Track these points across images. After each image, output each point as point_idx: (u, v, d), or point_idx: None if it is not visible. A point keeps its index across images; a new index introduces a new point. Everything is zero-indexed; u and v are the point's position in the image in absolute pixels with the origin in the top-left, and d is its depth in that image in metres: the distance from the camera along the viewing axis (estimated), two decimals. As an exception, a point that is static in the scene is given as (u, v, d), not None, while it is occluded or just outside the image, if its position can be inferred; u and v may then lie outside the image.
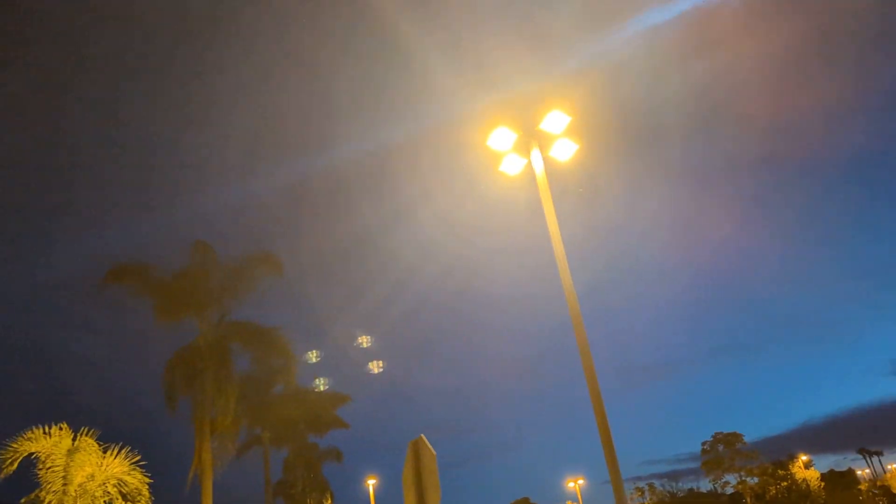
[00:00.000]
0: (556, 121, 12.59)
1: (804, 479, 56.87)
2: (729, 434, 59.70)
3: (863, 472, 77.68)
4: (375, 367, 48.97)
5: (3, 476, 13.50)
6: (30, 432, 13.86)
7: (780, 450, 65.53)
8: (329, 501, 35.20)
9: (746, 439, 61.29)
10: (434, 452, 6.86)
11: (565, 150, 12.97)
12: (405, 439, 7.19)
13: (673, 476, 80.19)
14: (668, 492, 70.56)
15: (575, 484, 50.20)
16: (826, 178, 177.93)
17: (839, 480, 63.11)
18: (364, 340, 49.62)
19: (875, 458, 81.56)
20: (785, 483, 56.94)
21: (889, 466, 69.95)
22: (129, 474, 14.95)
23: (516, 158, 13.17)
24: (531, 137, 12.96)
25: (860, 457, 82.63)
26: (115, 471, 14.78)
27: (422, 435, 6.99)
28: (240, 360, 23.65)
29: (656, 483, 72.48)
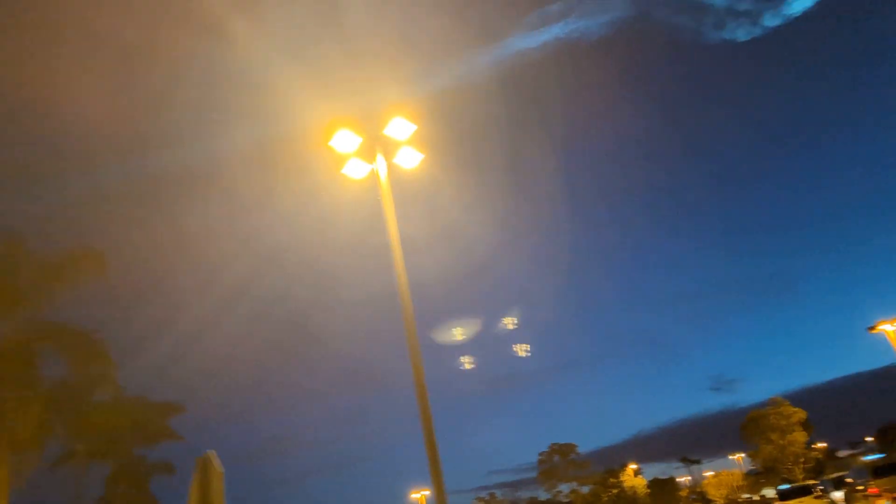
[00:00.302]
0: (400, 128, 12.45)
1: (632, 487, 61.06)
2: (564, 445, 62.83)
3: (684, 479, 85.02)
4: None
5: None
6: None
7: (614, 459, 70.02)
8: (155, 519, 32.43)
9: (585, 450, 64.90)
10: (221, 471, 6.28)
11: (410, 158, 12.89)
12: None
13: (515, 486, 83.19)
14: (510, 501, 73.03)
15: (420, 497, 50.29)
16: (644, 208, 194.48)
17: (662, 487, 68.45)
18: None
19: (695, 466, 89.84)
20: (615, 491, 60.73)
21: (706, 473, 77.00)
22: None
23: (361, 163, 12.91)
24: (375, 142, 12.75)
25: (683, 465, 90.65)
26: None
27: (211, 451, 6.39)
28: (56, 366, 21.27)
29: (498, 493, 74.77)
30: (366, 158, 12.88)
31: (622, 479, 61.75)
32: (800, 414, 55.32)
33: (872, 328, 44.08)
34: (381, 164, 12.71)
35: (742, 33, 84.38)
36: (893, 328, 42.67)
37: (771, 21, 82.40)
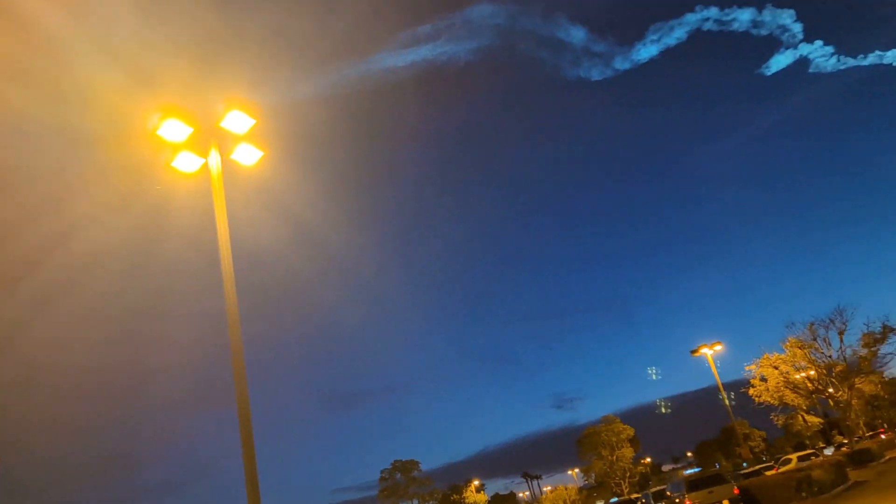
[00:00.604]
0: (238, 121, 11.62)
1: (474, 503, 62.22)
2: (406, 462, 62.75)
3: (524, 494, 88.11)
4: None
5: None
6: None
7: (458, 475, 71.01)
8: None
9: (429, 467, 65.47)
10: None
11: (249, 155, 12.09)
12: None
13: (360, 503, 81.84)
14: (354, 519, 71.69)
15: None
16: (492, 230, 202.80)
17: (503, 503, 70.45)
18: None
19: (535, 482, 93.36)
20: (458, 507, 61.63)
21: (545, 488, 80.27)
22: None
23: (193, 157, 11.90)
24: (210, 135, 11.83)
25: (524, 480, 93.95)
26: None
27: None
28: None
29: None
30: (199, 151, 11.93)
31: (465, 495, 62.74)
32: (628, 431, 59.32)
33: (695, 351, 47.92)
34: (213, 158, 11.81)
35: (596, 73, 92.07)
36: (712, 351, 46.70)
37: (621, 64, 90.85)
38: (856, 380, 41.13)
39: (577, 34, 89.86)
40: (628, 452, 57.88)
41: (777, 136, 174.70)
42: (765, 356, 43.02)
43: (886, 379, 78.38)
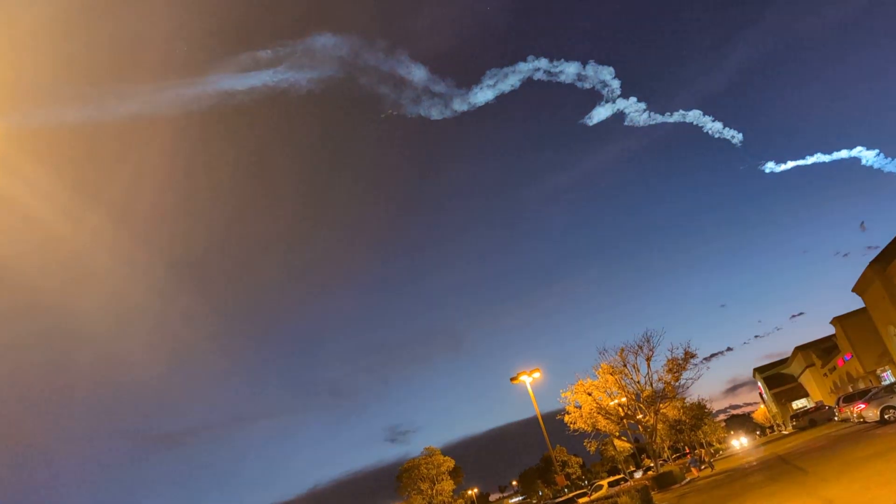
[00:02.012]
0: None
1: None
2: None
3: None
4: None
5: None
6: None
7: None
8: None
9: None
10: None
11: None
12: None
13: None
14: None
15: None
16: (327, 264, 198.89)
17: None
18: None
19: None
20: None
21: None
22: None
23: None
24: None
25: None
26: None
27: None
28: None
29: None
30: None
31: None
32: (449, 463, 57.35)
33: (514, 378, 46.49)
34: None
35: (435, 112, 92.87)
36: (531, 379, 45.44)
37: (459, 106, 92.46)
38: (661, 405, 42.25)
39: (418, 73, 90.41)
40: (448, 485, 55.97)
41: (597, 179, 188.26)
42: (579, 382, 42.87)
43: (688, 404, 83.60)
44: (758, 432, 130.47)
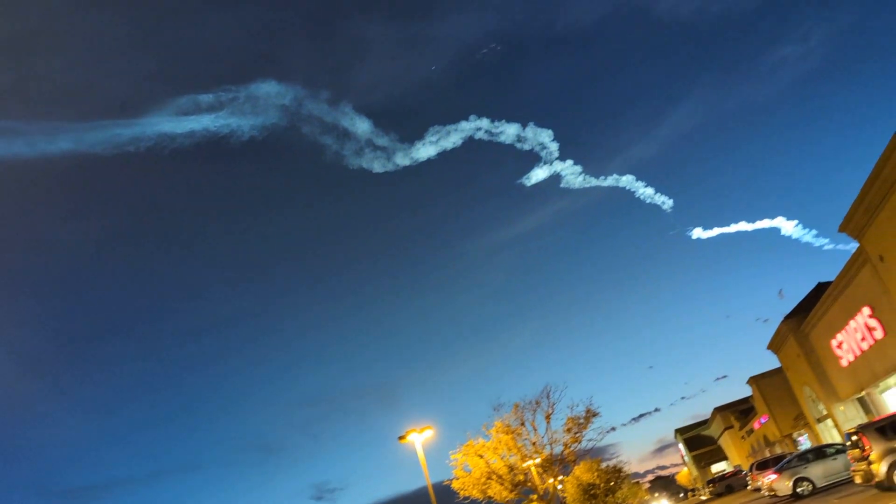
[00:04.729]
0: None
1: None
2: None
3: None
4: None
5: None
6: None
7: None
8: None
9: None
10: None
11: None
12: None
13: None
14: None
15: None
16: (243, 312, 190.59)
17: None
18: None
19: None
20: None
21: None
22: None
23: None
24: None
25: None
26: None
27: None
28: None
29: None
30: None
31: None
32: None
33: (402, 437, 40.61)
34: None
35: (377, 165, 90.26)
36: (422, 437, 39.57)
37: (402, 160, 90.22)
38: (575, 467, 37.76)
39: (362, 125, 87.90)
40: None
41: (533, 238, 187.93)
42: (469, 442, 37.62)
43: (604, 466, 78.86)
44: (681, 494, 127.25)
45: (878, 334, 30.38)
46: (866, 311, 30.90)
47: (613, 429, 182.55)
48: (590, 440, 37.78)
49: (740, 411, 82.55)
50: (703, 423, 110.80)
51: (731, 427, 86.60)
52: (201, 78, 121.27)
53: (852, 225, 27.01)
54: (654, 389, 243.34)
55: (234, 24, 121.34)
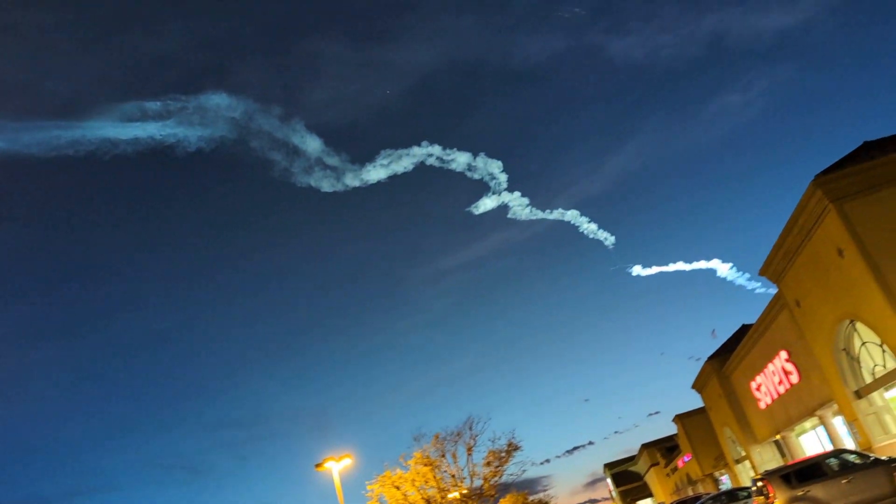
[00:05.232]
0: None
1: None
2: None
3: None
4: None
5: None
6: None
7: None
8: None
9: None
10: None
11: None
12: None
13: None
14: None
15: None
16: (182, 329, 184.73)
17: None
18: None
19: None
20: None
21: None
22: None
23: None
24: None
25: None
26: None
27: None
28: None
29: None
30: None
31: None
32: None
33: (319, 465, 38.79)
34: None
35: (326, 185, 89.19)
36: (339, 465, 37.87)
37: (351, 181, 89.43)
38: (501, 500, 36.71)
39: (313, 143, 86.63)
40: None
41: (477, 267, 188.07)
42: (386, 473, 36.22)
43: (531, 500, 77.96)
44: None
45: (794, 378, 30.79)
46: (783, 354, 31.34)
47: (547, 461, 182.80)
48: (511, 474, 36.97)
49: (666, 448, 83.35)
50: (632, 459, 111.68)
51: (657, 464, 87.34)
52: (150, 85, 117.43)
53: (772, 269, 27.36)
54: (589, 422, 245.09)
55: (188, 33, 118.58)
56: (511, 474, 36.88)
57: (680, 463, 70.36)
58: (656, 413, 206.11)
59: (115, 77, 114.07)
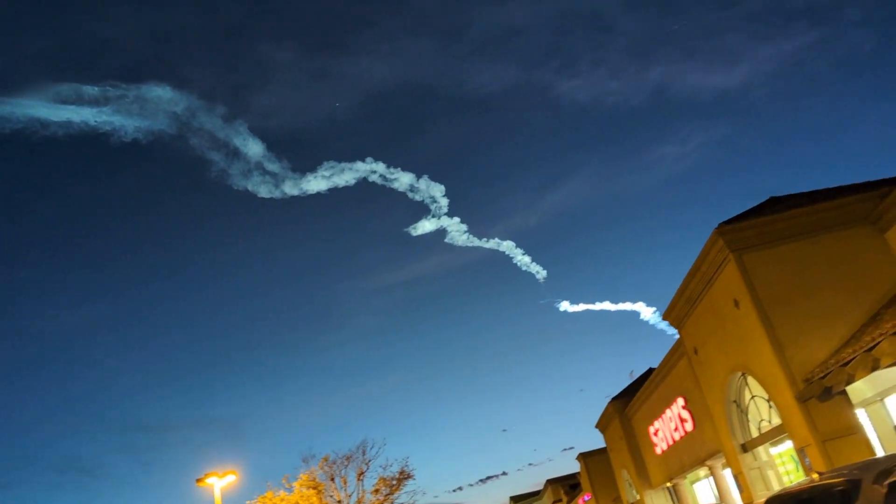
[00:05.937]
0: None
1: None
2: None
3: None
4: None
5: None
6: None
7: None
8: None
9: None
10: None
11: None
12: None
13: None
14: None
15: None
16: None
17: None
18: None
19: None
20: None
21: None
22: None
23: None
24: None
25: None
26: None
27: None
28: None
29: None
30: None
31: None
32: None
33: (200, 480, 36.14)
34: None
35: (264, 190, 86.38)
36: (222, 482, 35.34)
37: (290, 189, 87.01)
38: None
39: (254, 147, 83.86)
40: None
41: (409, 289, 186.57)
42: (268, 494, 34.07)
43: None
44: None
45: (689, 426, 30.72)
46: (681, 401, 31.28)
47: (460, 488, 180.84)
48: (401, 504, 35.48)
49: (570, 486, 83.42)
50: (537, 494, 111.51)
51: (559, 500, 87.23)
52: (89, 68, 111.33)
53: (674, 315, 27.25)
54: (506, 453, 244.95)
55: (137, 20, 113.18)
56: (401, 504, 35.40)
57: (580, 502, 70.26)
58: (570, 448, 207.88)
59: (53, 55, 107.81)
